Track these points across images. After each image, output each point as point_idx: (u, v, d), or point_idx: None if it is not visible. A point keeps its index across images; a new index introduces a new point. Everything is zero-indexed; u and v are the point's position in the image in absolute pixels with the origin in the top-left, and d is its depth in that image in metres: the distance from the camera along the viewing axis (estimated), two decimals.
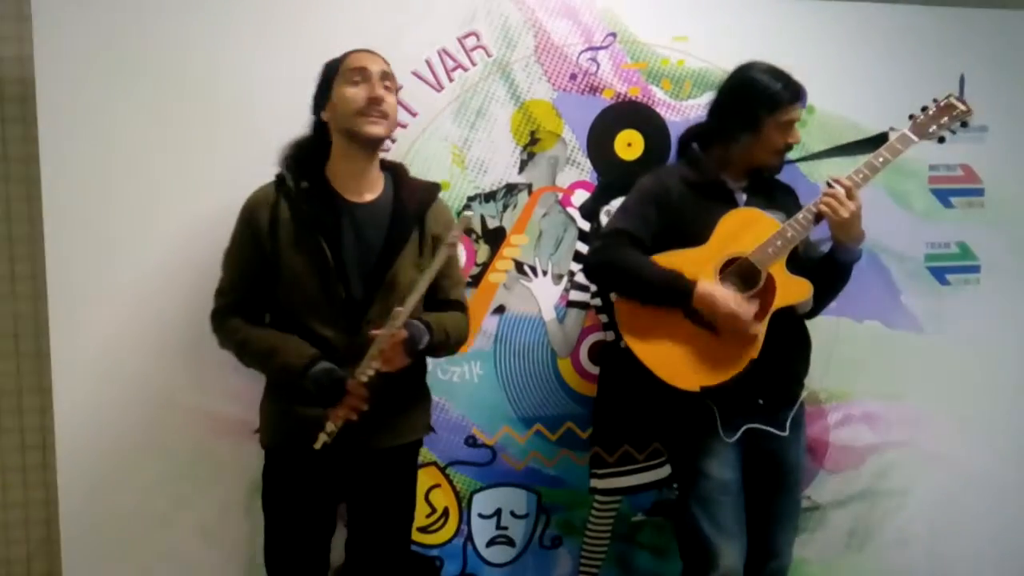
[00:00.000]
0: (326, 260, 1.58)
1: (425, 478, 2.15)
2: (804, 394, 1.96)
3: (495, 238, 2.14)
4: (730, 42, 2.22)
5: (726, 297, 1.76)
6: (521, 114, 2.13)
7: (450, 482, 2.17)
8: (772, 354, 1.80)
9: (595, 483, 2.25)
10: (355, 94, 1.61)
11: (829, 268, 1.87)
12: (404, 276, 1.63)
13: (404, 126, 2.05)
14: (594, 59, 2.17)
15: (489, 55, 2.10)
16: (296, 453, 1.62)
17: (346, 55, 1.66)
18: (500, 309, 2.15)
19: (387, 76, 1.65)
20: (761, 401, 1.86)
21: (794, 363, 1.94)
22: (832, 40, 2.31)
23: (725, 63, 2.17)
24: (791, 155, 2.04)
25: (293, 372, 1.57)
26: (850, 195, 1.76)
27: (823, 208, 1.76)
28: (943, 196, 2.42)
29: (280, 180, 1.65)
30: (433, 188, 1.76)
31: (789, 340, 1.88)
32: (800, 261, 1.85)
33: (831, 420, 2.40)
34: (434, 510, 2.17)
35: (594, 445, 2.24)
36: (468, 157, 2.11)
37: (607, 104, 2.18)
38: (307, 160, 1.66)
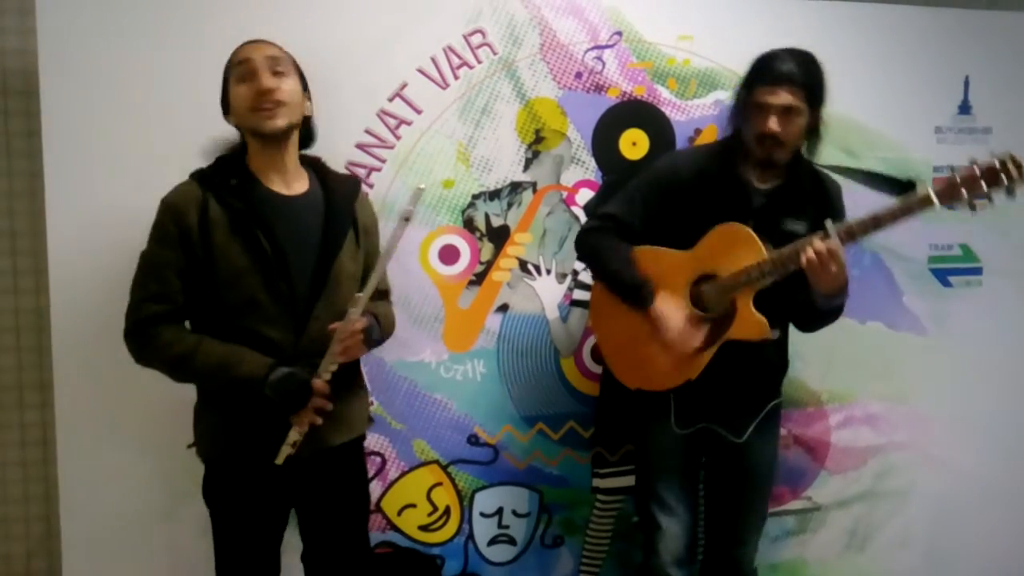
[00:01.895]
0: (266, 256, 1.51)
1: (427, 476, 2.14)
2: (773, 404, 1.92)
3: (499, 236, 2.13)
4: (736, 42, 2.21)
5: (671, 327, 1.78)
6: (526, 112, 2.13)
7: (452, 481, 2.16)
8: (733, 366, 1.79)
9: (597, 482, 2.25)
10: (244, 91, 1.53)
11: (809, 305, 1.77)
12: (346, 270, 1.60)
13: (409, 123, 2.05)
14: (600, 58, 2.16)
15: (495, 53, 2.10)
16: (243, 464, 1.57)
17: (234, 53, 1.58)
18: (504, 307, 2.15)
19: (276, 60, 1.55)
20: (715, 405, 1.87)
21: (759, 378, 1.88)
22: (837, 40, 2.30)
23: (730, 62, 2.19)
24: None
25: (252, 382, 1.48)
26: (835, 256, 1.63)
27: (803, 260, 1.64)
28: None
29: (203, 177, 1.55)
30: (356, 180, 1.75)
31: (756, 356, 1.82)
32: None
33: (833, 421, 2.40)
34: (436, 509, 2.16)
35: (596, 444, 2.23)
36: (473, 155, 2.10)
37: (612, 103, 2.18)
38: (230, 157, 1.60)
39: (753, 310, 1.74)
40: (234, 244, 1.51)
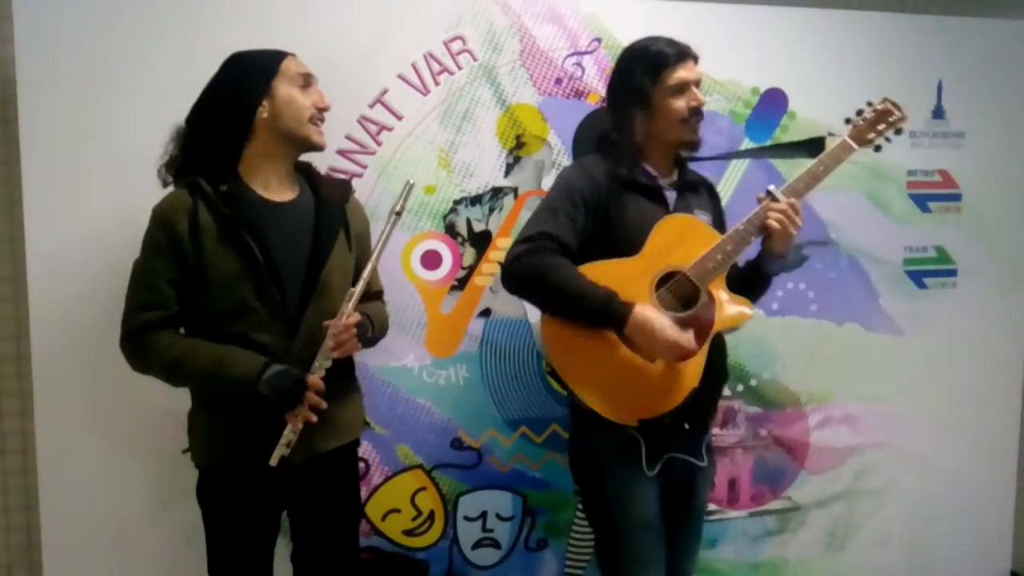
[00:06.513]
0: (257, 262, 1.52)
1: (411, 481, 2.15)
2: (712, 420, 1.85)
3: (481, 241, 2.14)
4: (712, 49, 2.23)
5: (664, 327, 1.57)
6: (507, 118, 2.14)
7: (436, 485, 2.17)
8: (704, 378, 1.66)
9: None
10: (305, 101, 1.58)
11: (755, 278, 1.75)
12: (337, 274, 1.61)
13: (390, 129, 2.06)
14: (579, 64, 2.18)
15: (475, 59, 2.11)
16: (237, 470, 1.57)
17: (280, 56, 1.60)
18: (486, 312, 2.16)
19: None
20: (687, 426, 1.71)
21: (718, 385, 1.82)
22: (813, 47, 2.34)
23: (707, 69, 2.20)
24: (712, 152, 2.04)
25: (246, 381, 1.48)
26: (796, 210, 1.65)
27: (772, 224, 1.63)
28: (921, 201, 2.46)
29: (194, 185, 1.54)
30: (347, 184, 1.76)
31: (716, 362, 1.73)
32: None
33: (812, 422, 2.43)
34: (420, 513, 2.17)
35: None
36: (454, 160, 2.11)
37: (592, 108, 2.19)
38: (219, 160, 1.58)
39: (731, 294, 1.69)
40: (225, 250, 1.52)
